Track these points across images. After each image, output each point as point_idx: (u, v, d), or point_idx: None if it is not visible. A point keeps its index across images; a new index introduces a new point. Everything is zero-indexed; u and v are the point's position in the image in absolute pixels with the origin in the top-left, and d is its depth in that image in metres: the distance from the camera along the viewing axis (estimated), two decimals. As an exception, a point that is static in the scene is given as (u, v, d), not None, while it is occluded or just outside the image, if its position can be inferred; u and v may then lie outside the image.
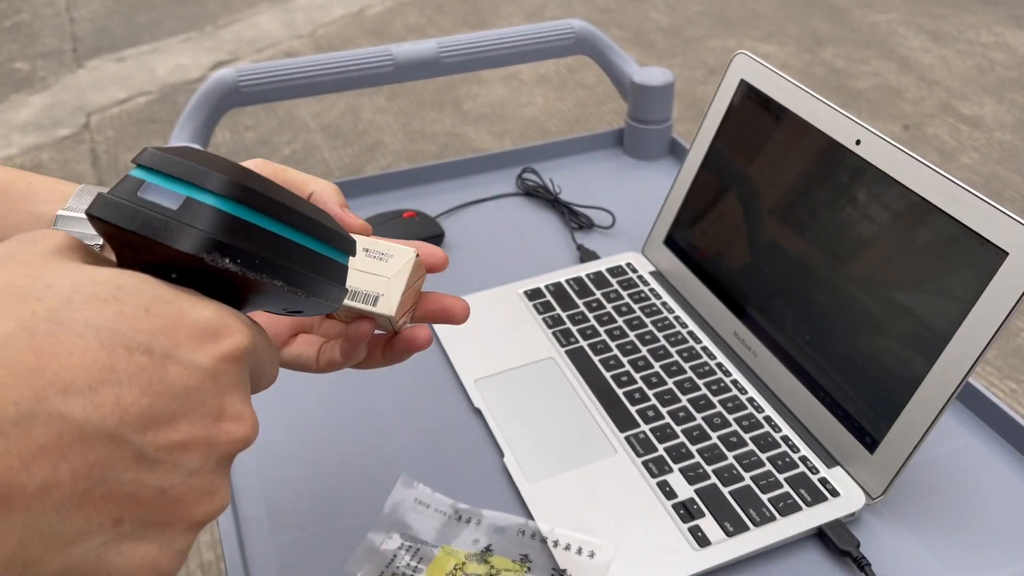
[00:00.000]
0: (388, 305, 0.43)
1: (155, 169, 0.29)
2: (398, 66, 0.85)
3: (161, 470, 0.26)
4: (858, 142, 0.60)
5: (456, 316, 0.46)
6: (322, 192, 0.46)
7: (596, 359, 0.67)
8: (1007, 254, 0.50)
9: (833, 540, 0.54)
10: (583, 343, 0.69)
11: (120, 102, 2.92)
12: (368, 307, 0.43)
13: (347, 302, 0.43)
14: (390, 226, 0.78)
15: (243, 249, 0.29)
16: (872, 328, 0.57)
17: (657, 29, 3.46)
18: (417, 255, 0.44)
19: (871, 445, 0.57)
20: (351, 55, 0.84)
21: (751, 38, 3.36)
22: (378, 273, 0.43)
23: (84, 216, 0.44)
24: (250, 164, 0.52)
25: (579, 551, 0.53)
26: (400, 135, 2.75)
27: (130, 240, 0.28)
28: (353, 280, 0.43)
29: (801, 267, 0.63)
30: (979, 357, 0.50)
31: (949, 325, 0.52)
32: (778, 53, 3.23)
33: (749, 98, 0.69)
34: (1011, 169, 2.52)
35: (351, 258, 0.37)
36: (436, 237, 0.80)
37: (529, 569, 0.52)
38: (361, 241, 0.44)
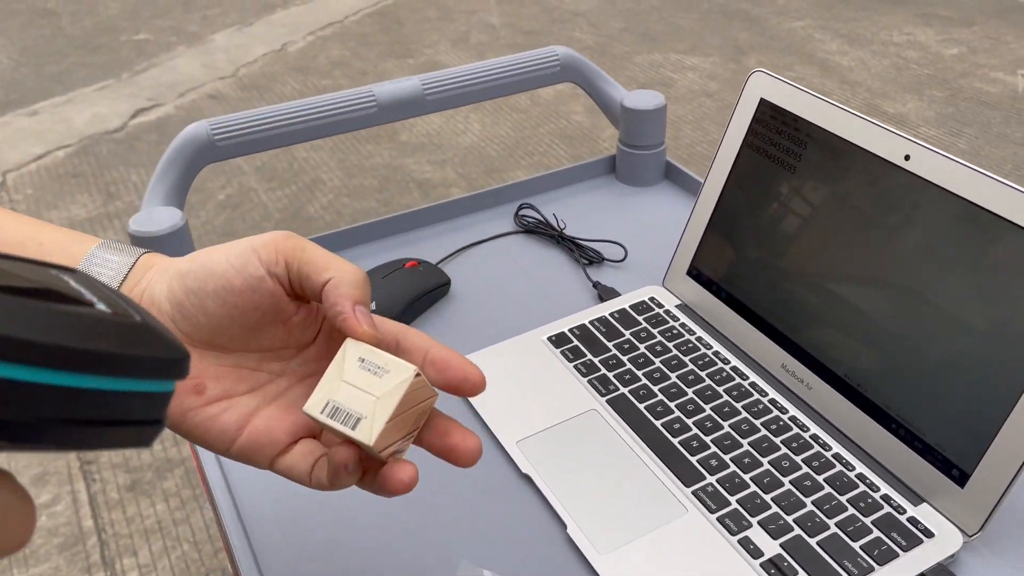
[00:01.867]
0: (368, 431, 0.37)
1: None
2: (381, 107, 0.80)
3: None
4: (907, 157, 0.57)
5: (461, 460, 0.41)
6: (337, 285, 0.40)
7: (641, 407, 0.63)
8: (1101, 267, 0.47)
9: (940, 587, 0.50)
10: (624, 390, 0.64)
11: (37, 157, 2.77)
12: (345, 429, 0.37)
13: (324, 419, 0.38)
14: (394, 278, 0.72)
15: None
16: (950, 353, 0.54)
17: (584, 48, 3.47)
18: (418, 374, 0.38)
19: (960, 479, 0.53)
20: (331, 99, 0.78)
21: (676, 51, 3.40)
22: (367, 390, 0.38)
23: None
24: (270, 237, 0.47)
25: None
26: (337, 171, 2.68)
27: None
28: (338, 394, 0.37)
29: (857, 293, 0.59)
30: (1080, 378, 0.48)
31: (1041, 346, 0.49)
32: (704, 64, 3.27)
33: (773, 118, 0.65)
34: (944, 163, 2.58)
35: (344, 367, 0.33)
36: (442, 286, 0.75)
37: None
38: (358, 349, 0.38)
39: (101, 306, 0.25)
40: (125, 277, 0.42)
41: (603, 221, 0.85)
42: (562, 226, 0.82)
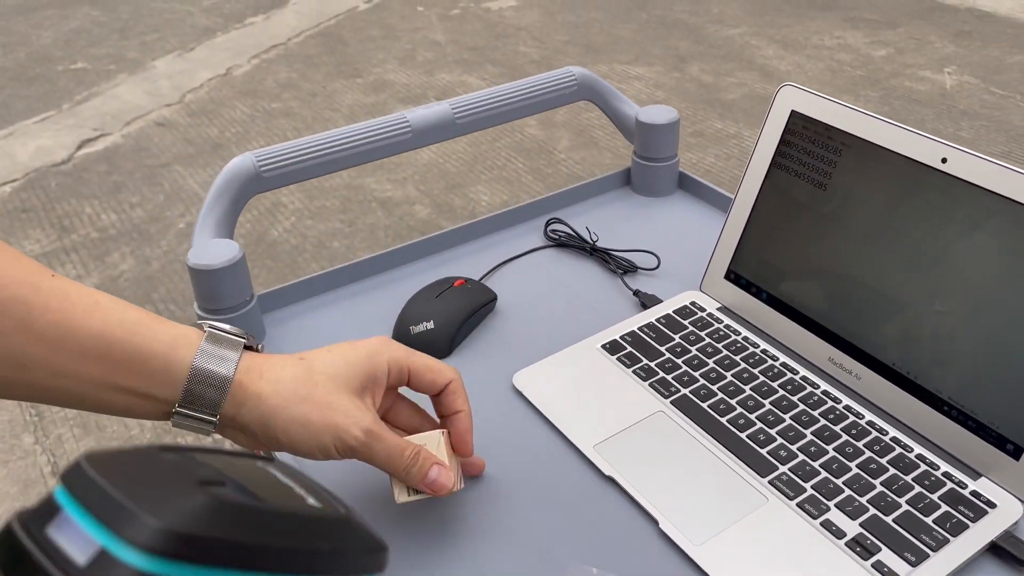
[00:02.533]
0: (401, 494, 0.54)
1: (76, 496, 0.22)
2: (416, 132, 0.82)
3: None
4: (944, 160, 0.62)
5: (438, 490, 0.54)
6: (456, 389, 0.57)
7: (704, 405, 0.66)
8: None
9: (1014, 553, 0.55)
10: (685, 391, 0.68)
11: (-17, 194, 2.69)
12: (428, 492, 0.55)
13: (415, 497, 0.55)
14: (447, 296, 0.75)
15: None
16: (997, 337, 0.59)
17: (530, 62, 3.52)
18: (443, 433, 0.56)
19: (1015, 452, 0.58)
20: (368, 126, 0.80)
21: (619, 62, 3.48)
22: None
23: (194, 413, 0.48)
24: (371, 344, 0.54)
25: None
26: (298, 193, 2.67)
27: None
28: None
29: (900, 287, 0.64)
30: (1126, 353, 0.53)
31: (1087, 326, 0.54)
32: (649, 74, 3.36)
33: (806, 128, 0.70)
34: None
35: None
36: (490, 302, 0.77)
37: None
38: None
39: (311, 500, 0.27)
40: (227, 395, 0.49)
41: (626, 232, 0.89)
42: (595, 239, 0.86)
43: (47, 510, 0.22)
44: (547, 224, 0.88)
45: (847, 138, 0.67)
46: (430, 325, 0.73)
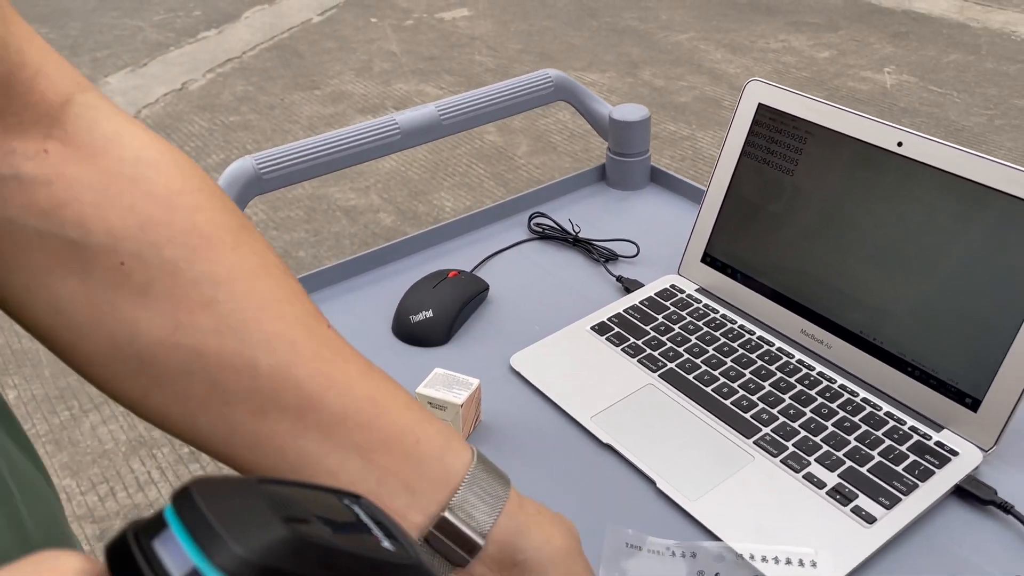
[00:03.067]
0: None
1: (181, 516, 0.25)
2: (404, 133, 0.86)
3: None
4: (900, 144, 0.68)
5: None
6: None
7: (690, 377, 0.72)
8: (1074, 219, 0.59)
9: (975, 494, 0.61)
10: (671, 365, 0.73)
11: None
12: None
13: None
14: (443, 287, 0.79)
15: None
16: (953, 302, 0.65)
17: (485, 71, 3.58)
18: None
19: (973, 405, 0.64)
20: (358, 129, 0.85)
21: (573, 68, 3.55)
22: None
23: (463, 528, 0.38)
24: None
25: (800, 563, 0.56)
26: (261, 204, 2.68)
27: None
28: None
29: (864, 260, 0.70)
30: (1066, 309, 0.59)
31: (1032, 287, 0.61)
32: (603, 79, 3.43)
33: (773, 119, 0.76)
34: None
35: None
36: (483, 291, 0.82)
37: None
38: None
39: (386, 544, 0.29)
40: (500, 514, 0.40)
41: (605, 223, 0.94)
42: (577, 230, 0.91)
43: (156, 525, 0.25)
44: (530, 218, 0.93)
45: (811, 127, 0.73)
46: (429, 314, 0.77)
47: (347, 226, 2.60)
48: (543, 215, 0.93)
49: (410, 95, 3.39)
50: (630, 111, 0.97)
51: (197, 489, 0.25)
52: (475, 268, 0.87)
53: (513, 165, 2.86)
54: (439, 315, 0.77)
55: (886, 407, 0.68)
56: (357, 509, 0.30)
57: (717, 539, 0.59)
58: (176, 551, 0.24)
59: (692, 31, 3.86)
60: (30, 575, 0.24)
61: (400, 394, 0.40)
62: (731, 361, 0.73)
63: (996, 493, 0.61)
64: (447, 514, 0.38)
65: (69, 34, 4.10)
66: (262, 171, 0.79)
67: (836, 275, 0.72)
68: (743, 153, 0.78)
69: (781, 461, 0.64)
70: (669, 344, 0.75)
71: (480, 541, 0.39)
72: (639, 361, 0.74)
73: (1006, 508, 0.60)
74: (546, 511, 0.44)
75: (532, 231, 0.93)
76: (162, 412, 0.37)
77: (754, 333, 0.76)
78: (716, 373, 0.72)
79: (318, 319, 0.39)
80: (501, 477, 0.41)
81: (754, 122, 0.77)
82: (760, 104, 0.77)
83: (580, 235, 0.90)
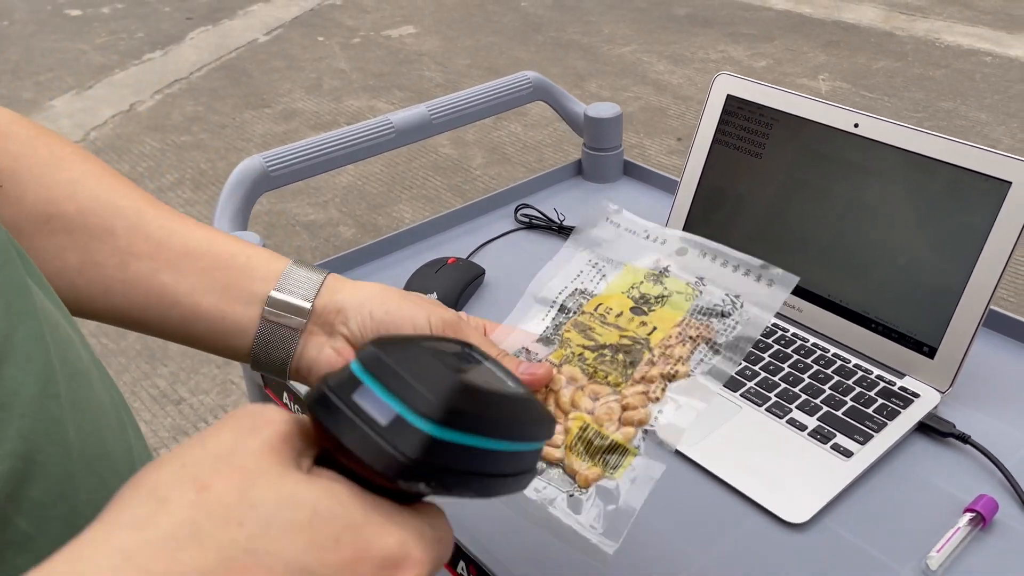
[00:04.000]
0: None
1: (373, 373, 0.30)
2: (399, 132, 0.92)
3: None
4: (856, 125, 0.76)
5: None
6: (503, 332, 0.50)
7: (678, 343, 0.79)
8: (1011, 183, 0.68)
9: (936, 428, 0.69)
10: (660, 333, 0.80)
11: None
12: None
13: None
14: (444, 272, 0.85)
15: (441, 471, 0.29)
16: (909, 263, 0.73)
17: (435, 86, 3.65)
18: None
19: (930, 353, 0.73)
20: (355, 129, 0.90)
21: (521, 82, 3.64)
22: None
23: (288, 299, 0.48)
24: (444, 323, 0.49)
25: (758, 278, 0.51)
26: (221, 223, 2.70)
27: (335, 443, 0.29)
28: None
29: (829, 231, 0.78)
30: (1007, 261, 0.68)
31: (977, 242, 0.69)
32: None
33: (741, 108, 0.84)
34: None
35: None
36: (480, 276, 0.88)
37: (701, 293, 0.50)
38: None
39: (510, 383, 0.35)
40: (318, 293, 0.49)
41: (583, 213, 1.01)
42: (562, 218, 0.98)
43: (352, 382, 0.30)
44: (517, 209, 1.00)
45: (776, 114, 0.81)
46: (434, 296, 0.83)
47: (308, 240, 2.63)
48: (529, 206, 1.00)
49: (362, 111, 3.43)
50: (604, 109, 1.04)
51: (380, 348, 0.30)
52: (470, 255, 0.93)
53: (469, 176, 2.93)
54: (443, 297, 0.83)
55: (855, 360, 0.76)
56: (476, 355, 0.36)
57: (720, 481, 0.66)
58: (376, 402, 0.29)
59: (634, 44, 3.99)
60: (244, 426, 0.29)
61: (227, 234, 0.51)
62: (713, 327, 0.80)
63: (954, 427, 0.69)
64: (275, 293, 0.48)
65: (9, 58, 4.05)
66: (270, 169, 0.84)
67: (804, 246, 0.80)
68: (714, 140, 0.86)
69: (766, 410, 0.72)
70: (656, 315, 0.82)
71: (307, 305, 0.48)
72: (630, 331, 0.81)
73: (963, 439, 0.68)
74: (356, 303, 0.51)
75: (519, 221, 0.99)
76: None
77: (732, 302, 0.84)
78: (701, 338, 0.79)
79: (155, 198, 0.50)
80: (318, 269, 0.51)
81: (724, 111, 0.85)
82: (729, 95, 0.85)
83: (565, 223, 0.97)
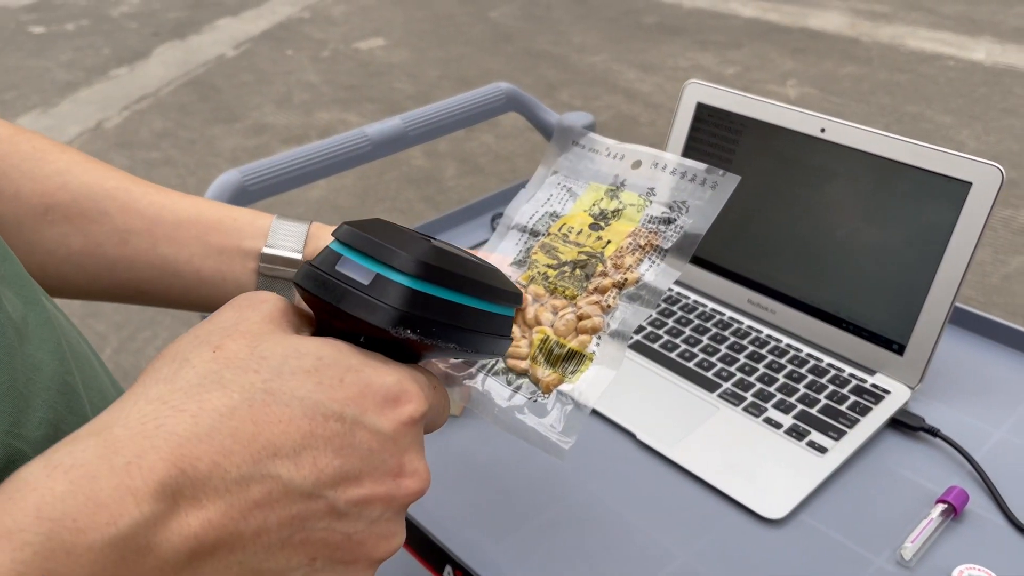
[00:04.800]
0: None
1: (350, 245, 0.33)
2: (374, 144, 0.93)
3: (348, 519, 0.31)
4: (823, 130, 0.78)
5: None
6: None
7: (655, 346, 0.80)
8: (971, 184, 0.70)
9: (907, 423, 0.71)
10: (637, 337, 0.81)
11: None
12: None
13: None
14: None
15: (424, 320, 0.33)
16: (876, 265, 0.75)
17: (406, 98, 3.66)
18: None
19: (899, 350, 0.74)
20: (333, 142, 0.91)
21: (492, 93, 3.65)
22: None
23: (280, 252, 0.51)
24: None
25: (703, 182, 0.50)
26: (194, 238, 2.68)
27: (327, 307, 0.33)
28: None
29: (799, 234, 0.80)
30: (971, 259, 0.70)
31: (941, 242, 0.71)
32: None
33: (711, 115, 0.86)
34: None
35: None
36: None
37: (651, 202, 0.50)
38: None
39: (471, 257, 0.39)
40: (305, 241, 0.51)
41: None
42: (537, 226, 0.99)
43: (332, 256, 0.33)
44: (492, 219, 1.01)
45: (745, 120, 0.83)
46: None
47: (282, 253, 2.62)
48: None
49: (333, 124, 3.43)
50: (577, 118, 1.05)
51: (352, 225, 0.33)
52: (447, 265, 0.94)
53: (442, 188, 2.94)
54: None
55: (827, 359, 0.78)
56: (438, 242, 0.39)
57: (699, 479, 0.67)
58: (357, 268, 0.33)
59: (604, 53, 4.02)
60: (244, 304, 0.34)
61: (210, 200, 0.53)
62: (689, 330, 0.82)
63: (924, 421, 0.71)
64: (267, 249, 0.50)
65: (-26, 76, 4.01)
66: (248, 183, 0.84)
67: (775, 249, 0.82)
68: (685, 147, 0.88)
69: (743, 409, 0.73)
70: (633, 319, 0.84)
71: (297, 256, 0.50)
72: (608, 336, 0.82)
73: (933, 432, 0.70)
74: None
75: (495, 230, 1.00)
76: (60, 275, 0.50)
77: (707, 306, 0.85)
78: (677, 341, 0.81)
79: (136, 177, 0.53)
80: (301, 220, 0.53)
81: (694, 119, 0.87)
82: (699, 103, 0.87)
83: (540, 231, 0.98)
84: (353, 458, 0.31)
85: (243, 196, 0.85)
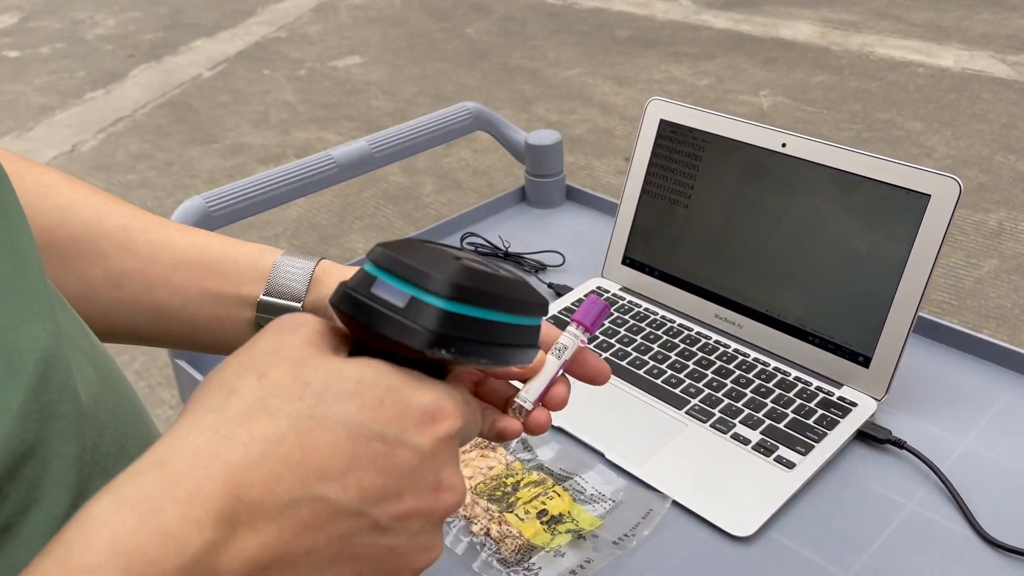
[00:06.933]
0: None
1: (384, 267, 0.34)
2: (340, 167, 0.93)
3: (391, 534, 0.33)
4: (784, 144, 0.79)
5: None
6: None
7: (624, 363, 0.80)
8: (930, 196, 0.70)
9: (873, 436, 0.71)
10: (605, 354, 0.81)
11: None
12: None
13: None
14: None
15: (458, 339, 0.34)
16: (839, 277, 0.76)
17: (384, 115, 3.66)
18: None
19: (865, 362, 0.75)
20: (297, 165, 0.91)
21: (469, 108, 3.66)
22: None
23: (278, 301, 0.49)
24: None
25: None
26: (171, 261, 2.66)
27: (364, 330, 0.34)
28: None
29: (763, 248, 0.80)
30: (931, 271, 0.70)
31: (902, 254, 0.72)
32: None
33: (674, 132, 0.86)
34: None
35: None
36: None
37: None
38: None
39: (502, 272, 0.39)
40: (309, 285, 0.49)
41: (530, 238, 1.02)
42: (507, 245, 0.99)
43: (367, 279, 0.34)
44: (462, 238, 1.01)
45: (707, 136, 0.84)
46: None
47: (260, 274, 2.60)
48: (474, 234, 1.01)
49: (311, 142, 3.43)
50: (544, 136, 1.06)
51: (386, 247, 0.35)
52: (416, 286, 0.94)
53: (421, 204, 2.94)
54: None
55: (794, 372, 0.78)
56: (467, 255, 0.40)
57: (665, 496, 0.67)
58: (392, 290, 0.34)
59: (579, 67, 4.04)
60: (284, 328, 0.35)
61: (214, 235, 0.51)
62: (657, 347, 0.82)
63: (891, 433, 0.71)
64: (264, 298, 0.49)
65: (-53, 102, 3.98)
66: (211, 209, 0.84)
67: (740, 264, 0.82)
68: (650, 164, 0.88)
69: (710, 426, 0.73)
70: (602, 337, 0.84)
71: (296, 306, 0.49)
72: (576, 354, 0.82)
73: (900, 444, 0.70)
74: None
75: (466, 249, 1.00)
76: None
77: (675, 321, 0.85)
78: (645, 358, 0.81)
79: (140, 210, 0.51)
80: (308, 257, 0.51)
81: (657, 136, 0.87)
82: (662, 120, 0.87)
83: (510, 249, 0.98)
84: (395, 476, 0.33)
85: (208, 222, 0.84)
